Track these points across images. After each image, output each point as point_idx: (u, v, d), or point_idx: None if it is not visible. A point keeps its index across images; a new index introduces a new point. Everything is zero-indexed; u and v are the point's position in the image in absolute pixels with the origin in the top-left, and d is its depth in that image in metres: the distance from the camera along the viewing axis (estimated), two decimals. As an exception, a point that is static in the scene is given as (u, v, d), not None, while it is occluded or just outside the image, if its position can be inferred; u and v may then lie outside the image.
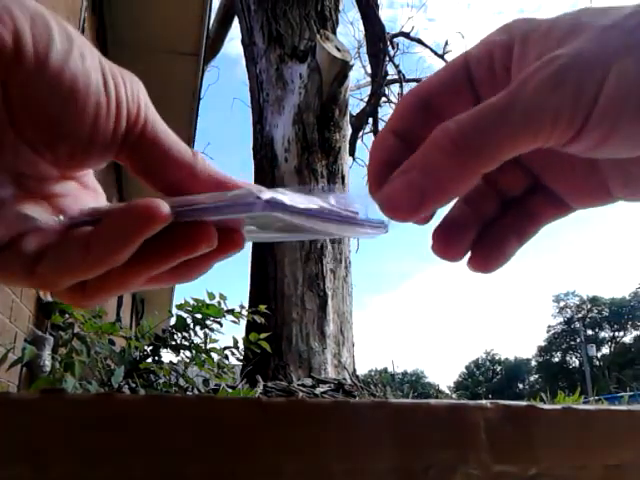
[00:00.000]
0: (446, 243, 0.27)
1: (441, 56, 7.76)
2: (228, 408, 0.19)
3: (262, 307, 2.34)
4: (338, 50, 3.41)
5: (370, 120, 7.04)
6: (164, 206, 0.23)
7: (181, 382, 2.13)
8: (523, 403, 0.23)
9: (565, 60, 0.21)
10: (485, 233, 0.27)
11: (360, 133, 7.05)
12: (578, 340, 39.15)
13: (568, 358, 42.17)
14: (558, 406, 0.23)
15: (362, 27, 5.59)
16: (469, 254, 0.27)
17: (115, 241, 0.23)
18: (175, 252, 0.24)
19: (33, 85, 0.22)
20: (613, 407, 0.24)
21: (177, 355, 2.20)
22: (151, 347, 2.21)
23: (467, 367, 50.27)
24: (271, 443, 0.19)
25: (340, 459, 0.20)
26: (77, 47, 0.24)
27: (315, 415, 0.20)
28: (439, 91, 0.27)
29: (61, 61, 0.23)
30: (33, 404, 0.19)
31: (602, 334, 40.09)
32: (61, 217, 0.26)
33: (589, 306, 40.96)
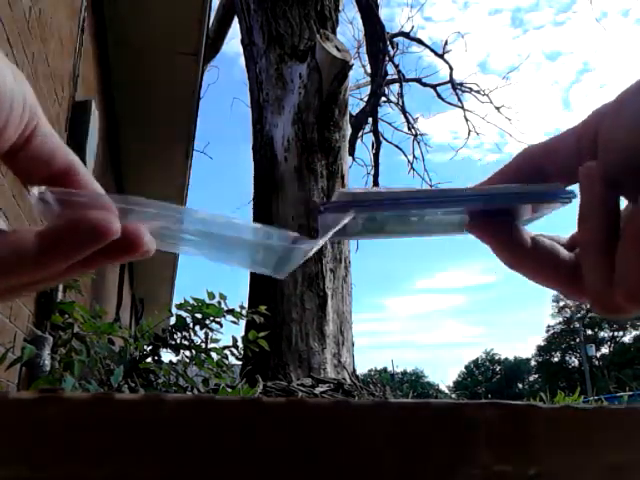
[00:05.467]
0: None
1: (441, 56, 7.75)
2: (227, 408, 0.19)
3: (262, 307, 2.34)
4: (338, 50, 3.41)
5: (370, 120, 7.04)
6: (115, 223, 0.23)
7: (181, 382, 2.13)
8: (523, 403, 0.23)
9: None
10: None
11: (360, 133, 7.05)
12: (577, 340, 39.16)
13: (567, 358, 42.18)
14: (558, 406, 0.23)
15: (362, 27, 5.59)
16: None
17: (69, 249, 0.23)
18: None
19: None
20: (613, 407, 0.24)
21: (177, 355, 2.20)
22: (151, 347, 2.21)
23: (467, 367, 50.27)
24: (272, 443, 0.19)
25: (340, 459, 0.19)
26: None
27: (315, 415, 0.20)
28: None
29: None
30: (32, 404, 0.19)
31: (601, 334, 40.10)
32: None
33: (589, 305, 40.84)
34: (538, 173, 0.29)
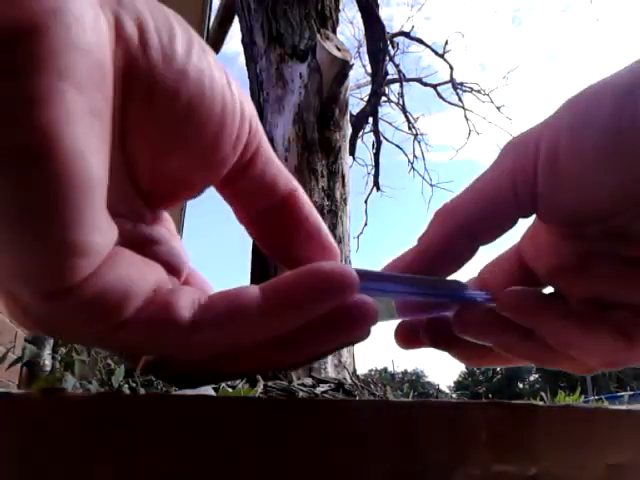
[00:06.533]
0: None
1: (441, 55, 7.75)
2: (228, 408, 0.19)
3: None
4: (338, 49, 3.41)
5: (370, 120, 7.04)
6: (352, 273, 0.18)
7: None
8: (523, 402, 0.23)
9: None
10: None
11: (360, 133, 7.04)
12: (578, 340, 39.03)
13: (568, 358, 42.08)
14: (558, 405, 0.23)
15: (362, 26, 5.59)
16: None
17: (287, 310, 0.18)
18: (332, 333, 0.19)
19: (158, 86, 0.18)
20: (613, 406, 0.24)
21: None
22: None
23: (467, 367, 50.23)
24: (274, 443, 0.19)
25: (339, 459, 0.19)
26: (197, 39, 0.19)
27: (315, 415, 0.20)
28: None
29: (186, 57, 0.18)
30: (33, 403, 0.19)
31: (602, 334, 40.02)
32: None
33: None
34: (472, 240, 0.24)
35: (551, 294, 0.25)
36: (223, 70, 0.20)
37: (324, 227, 0.23)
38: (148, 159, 0.19)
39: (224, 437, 0.19)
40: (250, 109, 0.21)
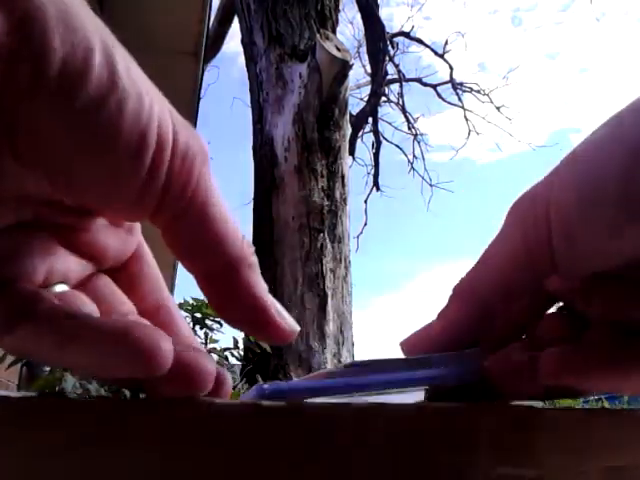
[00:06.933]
0: None
1: (441, 55, 7.76)
2: (227, 411, 0.19)
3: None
4: (338, 50, 3.41)
5: (370, 120, 7.04)
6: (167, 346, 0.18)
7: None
8: (523, 405, 0.23)
9: None
10: None
11: (360, 132, 7.05)
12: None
13: (568, 358, 42.15)
14: (558, 408, 0.23)
15: (362, 26, 5.59)
16: None
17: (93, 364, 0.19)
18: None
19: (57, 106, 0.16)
20: (613, 409, 0.24)
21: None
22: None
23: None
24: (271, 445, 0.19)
25: (340, 464, 0.19)
26: (121, 56, 0.18)
27: (315, 415, 0.20)
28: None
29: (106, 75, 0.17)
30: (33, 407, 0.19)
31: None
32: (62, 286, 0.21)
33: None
34: (490, 317, 0.24)
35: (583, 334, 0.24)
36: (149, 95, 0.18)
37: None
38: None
39: (223, 439, 0.19)
40: (193, 145, 0.19)
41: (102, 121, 0.16)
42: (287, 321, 0.21)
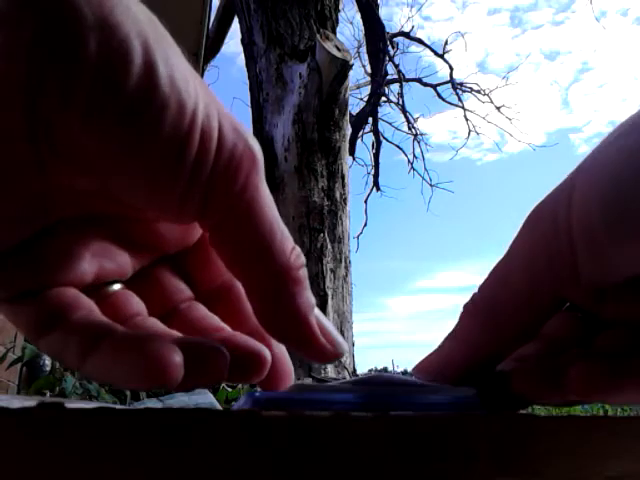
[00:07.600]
0: None
1: (441, 55, 7.75)
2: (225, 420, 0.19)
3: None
4: (338, 50, 3.41)
5: (370, 120, 7.04)
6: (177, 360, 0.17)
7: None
8: (523, 413, 0.23)
9: None
10: None
11: (360, 133, 7.05)
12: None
13: (568, 357, 42.16)
14: (558, 415, 0.23)
15: (362, 26, 5.58)
16: None
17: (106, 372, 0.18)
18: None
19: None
20: (613, 416, 0.24)
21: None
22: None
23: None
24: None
25: (340, 470, 0.19)
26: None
27: (314, 419, 0.20)
28: None
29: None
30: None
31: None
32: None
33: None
34: (503, 331, 0.23)
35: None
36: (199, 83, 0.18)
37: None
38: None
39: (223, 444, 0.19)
40: (244, 143, 0.18)
41: (135, 131, 0.16)
42: (333, 341, 0.20)
